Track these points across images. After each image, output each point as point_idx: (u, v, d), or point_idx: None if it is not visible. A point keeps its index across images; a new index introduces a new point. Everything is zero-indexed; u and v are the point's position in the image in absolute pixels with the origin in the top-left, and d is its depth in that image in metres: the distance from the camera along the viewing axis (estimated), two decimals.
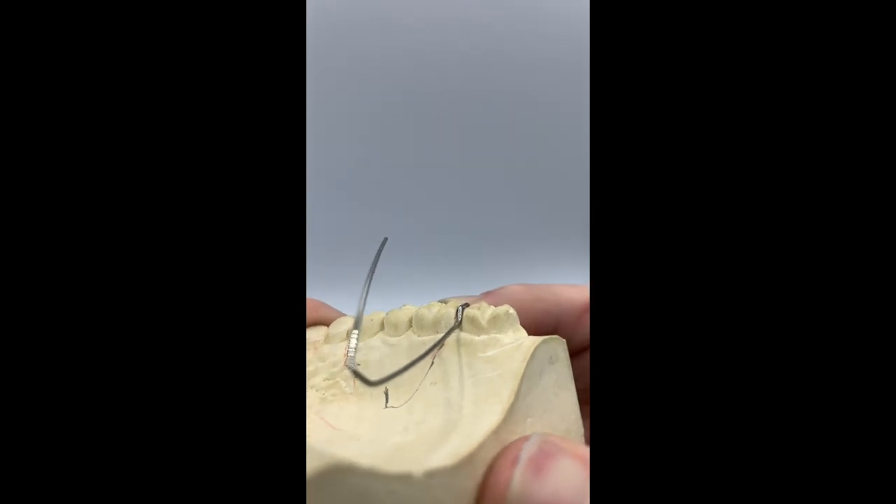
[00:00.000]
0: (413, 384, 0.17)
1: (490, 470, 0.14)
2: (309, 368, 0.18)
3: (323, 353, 0.19)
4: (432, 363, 0.17)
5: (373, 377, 0.17)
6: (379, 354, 0.18)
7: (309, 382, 0.18)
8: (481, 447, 0.14)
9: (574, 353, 0.18)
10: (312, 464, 0.11)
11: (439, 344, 0.17)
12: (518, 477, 0.13)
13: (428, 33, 0.54)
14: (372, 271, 0.19)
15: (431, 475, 0.13)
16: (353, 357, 0.16)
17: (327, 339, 0.19)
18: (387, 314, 0.19)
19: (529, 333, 0.17)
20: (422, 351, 0.17)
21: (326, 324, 0.20)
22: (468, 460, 0.13)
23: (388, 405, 0.17)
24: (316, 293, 0.21)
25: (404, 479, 0.12)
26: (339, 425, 0.16)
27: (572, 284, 0.21)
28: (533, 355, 0.16)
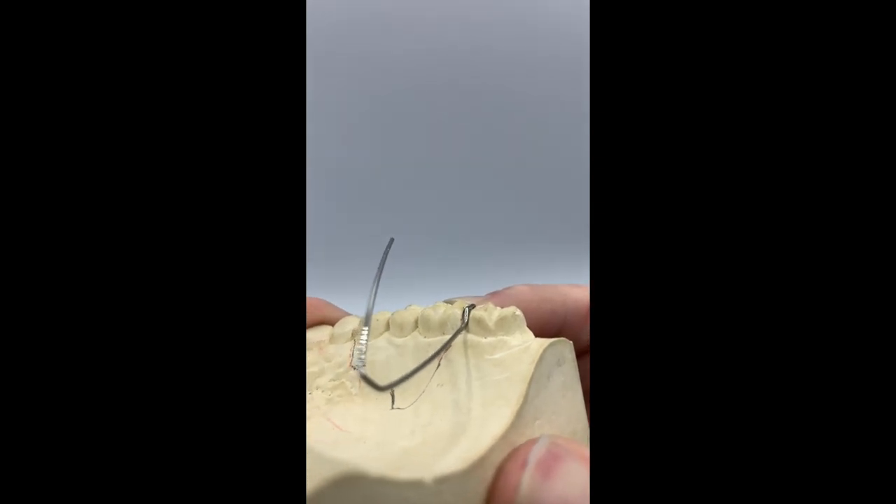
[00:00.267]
0: (420, 385, 0.17)
1: (499, 473, 0.14)
2: (314, 369, 0.18)
3: (328, 353, 0.19)
4: (439, 365, 0.17)
5: (379, 377, 0.17)
6: (385, 355, 0.18)
7: (314, 383, 0.18)
8: (491, 451, 0.14)
9: (580, 354, 0.18)
10: (324, 472, 0.11)
11: (446, 346, 0.17)
12: (527, 480, 0.13)
13: (428, 33, 0.54)
14: (380, 271, 0.19)
15: (442, 481, 0.12)
16: (364, 358, 0.16)
17: (332, 339, 0.19)
18: (392, 314, 0.19)
19: (535, 334, 0.17)
20: (429, 352, 0.17)
21: (331, 323, 0.20)
22: (478, 464, 0.13)
23: (395, 406, 0.17)
24: (318, 293, 0.20)
25: (415, 485, 0.12)
26: (345, 426, 0.16)
27: (578, 285, 0.21)
28: (541, 358, 0.16)
